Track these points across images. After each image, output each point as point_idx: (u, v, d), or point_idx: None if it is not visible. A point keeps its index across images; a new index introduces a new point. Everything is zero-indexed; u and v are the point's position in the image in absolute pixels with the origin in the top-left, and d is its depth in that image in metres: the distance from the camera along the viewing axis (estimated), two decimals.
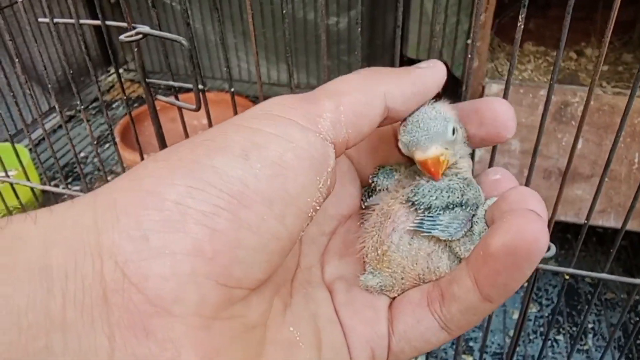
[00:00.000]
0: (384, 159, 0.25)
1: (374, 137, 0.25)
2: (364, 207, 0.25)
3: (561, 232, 0.98)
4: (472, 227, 0.22)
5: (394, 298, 0.23)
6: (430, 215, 0.22)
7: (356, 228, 0.24)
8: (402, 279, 0.22)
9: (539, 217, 0.19)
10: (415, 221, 0.22)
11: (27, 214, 0.16)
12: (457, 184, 0.23)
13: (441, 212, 0.22)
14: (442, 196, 0.22)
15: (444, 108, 0.23)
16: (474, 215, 0.22)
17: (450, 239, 0.22)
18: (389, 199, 0.23)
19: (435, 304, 0.21)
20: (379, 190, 0.24)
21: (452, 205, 0.22)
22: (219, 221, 0.16)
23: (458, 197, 0.22)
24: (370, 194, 0.24)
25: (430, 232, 0.22)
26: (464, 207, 0.22)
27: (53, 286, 0.15)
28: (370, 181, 0.25)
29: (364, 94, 0.20)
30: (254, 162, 0.17)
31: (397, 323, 0.22)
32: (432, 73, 0.22)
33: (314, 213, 0.18)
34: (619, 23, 0.95)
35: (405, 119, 0.23)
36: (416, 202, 0.22)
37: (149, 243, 0.15)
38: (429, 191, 0.22)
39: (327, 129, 0.19)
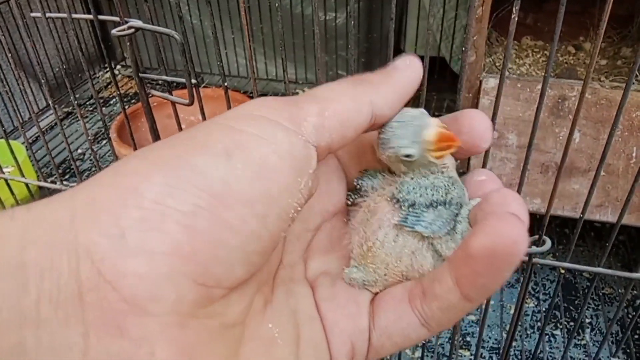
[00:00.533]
0: (370, 163, 0.25)
1: (362, 140, 0.25)
2: (350, 204, 0.25)
3: (559, 226, 0.98)
4: (455, 226, 0.23)
5: (376, 293, 0.23)
6: (415, 211, 0.22)
7: (342, 224, 0.25)
8: (385, 275, 0.23)
9: (519, 221, 0.19)
10: (400, 216, 0.22)
11: (4, 211, 0.16)
12: (442, 182, 0.23)
13: (425, 209, 0.22)
14: (427, 194, 0.23)
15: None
16: (457, 214, 0.23)
17: (432, 235, 0.22)
18: (376, 196, 0.24)
19: (417, 301, 0.21)
20: (365, 191, 0.24)
21: (435, 203, 0.22)
22: (199, 221, 0.16)
23: (442, 196, 0.23)
24: (355, 195, 0.25)
25: (413, 228, 0.22)
26: (447, 205, 0.23)
27: (28, 283, 0.15)
28: (355, 184, 0.25)
29: (351, 101, 0.21)
30: (235, 162, 0.17)
31: (378, 318, 0.22)
32: (409, 74, 0.23)
33: (295, 214, 0.18)
34: (618, 17, 0.95)
35: (383, 131, 0.23)
36: (401, 199, 0.23)
37: (126, 241, 0.15)
38: (414, 188, 0.23)
39: (310, 131, 0.19)
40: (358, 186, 0.25)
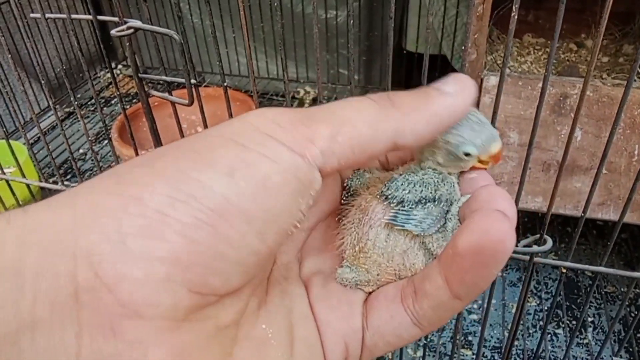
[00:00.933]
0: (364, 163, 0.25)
1: None
2: (343, 202, 0.25)
3: (561, 225, 0.98)
4: (445, 223, 0.22)
5: (370, 293, 0.23)
6: (404, 209, 0.22)
7: (336, 224, 0.25)
8: (377, 274, 0.23)
9: (505, 218, 0.19)
10: (390, 214, 0.22)
11: (0, 214, 0.16)
12: (432, 178, 0.23)
13: (414, 206, 0.22)
14: (415, 190, 0.22)
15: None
16: (447, 211, 0.23)
17: (423, 233, 0.22)
18: (367, 194, 0.24)
19: (409, 299, 0.21)
20: (355, 190, 0.24)
21: (424, 200, 0.22)
22: (199, 233, 0.16)
23: (431, 192, 0.22)
24: (347, 196, 0.25)
25: (403, 226, 0.22)
26: (436, 202, 0.22)
27: (24, 284, 0.15)
28: (345, 184, 0.25)
29: (370, 128, 0.19)
30: (239, 180, 0.17)
31: (371, 318, 0.22)
32: (453, 102, 0.20)
33: (294, 230, 0.19)
34: (619, 14, 0.94)
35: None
36: (389, 196, 0.23)
37: (126, 246, 0.15)
38: (402, 185, 0.23)
39: (316, 155, 0.18)
40: (347, 186, 0.25)
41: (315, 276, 0.23)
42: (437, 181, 0.23)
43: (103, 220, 0.16)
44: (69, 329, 0.15)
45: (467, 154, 0.22)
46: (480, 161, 0.23)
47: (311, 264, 0.24)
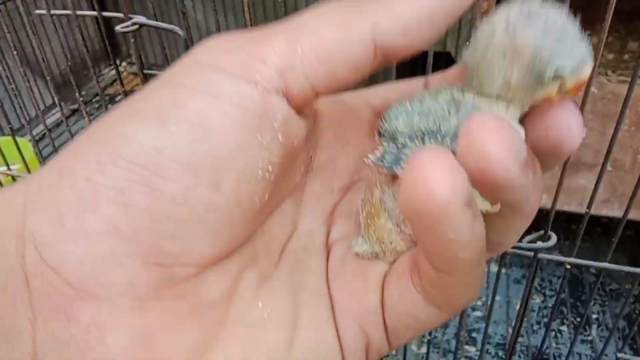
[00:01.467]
0: None
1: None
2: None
3: (566, 222, 0.97)
4: None
5: (393, 263, 0.19)
6: (395, 145, 0.17)
7: None
8: (390, 243, 0.18)
9: (440, 158, 0.13)
10: (376, 153, 0.18)
11: None
12: (440, 106, 0.17)
13: (409, 142, 0.17)
14: (412, 121, 0.17)
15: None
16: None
17: None
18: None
19: (416, 273, 0.17)
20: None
21: (421, 134, 0.17)
22: (134, 196, 0.14)
23: (433, 124, 0.17)
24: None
25: (391, 168, 0.17)
26: (439, 137, 0.17)
27: None
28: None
29: (336, 30, 0.16)
30: (171, 126, 0.15)
31: (386, 295, 0.18)
32: None
33: (268, 175, 0.16)
34: (623, 13, 0.94)
35: (533, 22, 0.16)
36: (382, 130, 0.18)
37: (64, 225, 0.14)
38: (396, 115, 0.18)
39: (270, 76, 0.15)
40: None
41: (336, 244, 0.20)
42: (448, 109, 0.17)
43: (44, 198, 0.15)
44: (23, 314, 0.14)
45: (556, 76, 0.16)
46: (560, 90, 0.16)
47: (338, 230, 0.20)
